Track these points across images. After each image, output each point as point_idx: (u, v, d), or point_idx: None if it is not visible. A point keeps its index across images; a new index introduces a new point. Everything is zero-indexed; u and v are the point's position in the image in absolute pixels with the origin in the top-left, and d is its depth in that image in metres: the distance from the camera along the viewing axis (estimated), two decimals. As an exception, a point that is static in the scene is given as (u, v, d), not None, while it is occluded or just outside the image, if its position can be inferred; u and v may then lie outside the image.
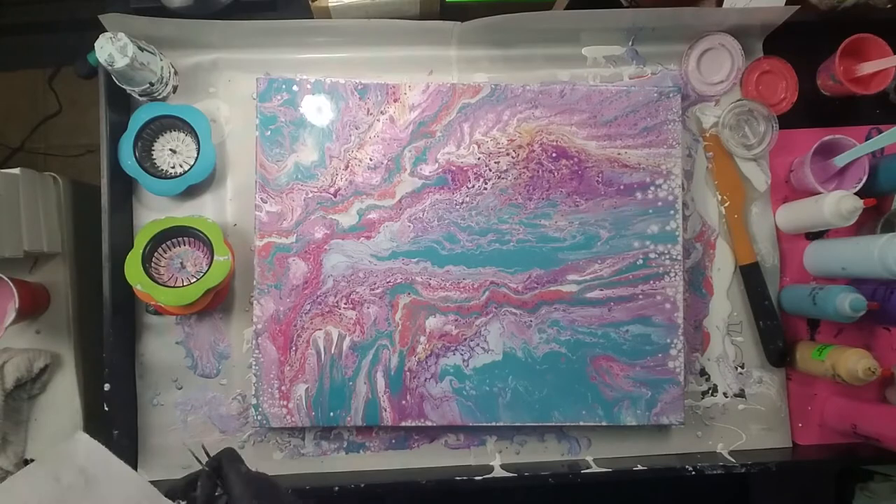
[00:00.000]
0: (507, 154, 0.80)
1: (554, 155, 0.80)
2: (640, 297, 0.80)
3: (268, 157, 0.79)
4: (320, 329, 0.78)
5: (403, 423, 0.79)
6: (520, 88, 0.80)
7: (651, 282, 0.80)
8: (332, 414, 0.78)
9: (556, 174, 0.80)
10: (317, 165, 0.79)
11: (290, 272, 0.78)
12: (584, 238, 0.80)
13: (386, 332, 0.79)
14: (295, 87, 0.79)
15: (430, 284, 0.79)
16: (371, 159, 0.79)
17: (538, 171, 0.80)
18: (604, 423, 0.80)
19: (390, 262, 0.79)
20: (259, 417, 0.77)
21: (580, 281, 0.80)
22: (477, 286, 0.79)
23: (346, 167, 0.79)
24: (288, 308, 0.78)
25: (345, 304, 0.79)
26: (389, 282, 0.79)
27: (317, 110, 0.79)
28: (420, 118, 0.80)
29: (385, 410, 0.78)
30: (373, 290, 0.79)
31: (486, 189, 0.80)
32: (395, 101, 0.80)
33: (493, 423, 0.79)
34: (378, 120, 0.79)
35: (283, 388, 0.78)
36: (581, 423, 0.80)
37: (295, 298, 0.78)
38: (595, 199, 0.80)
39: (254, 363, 0.78)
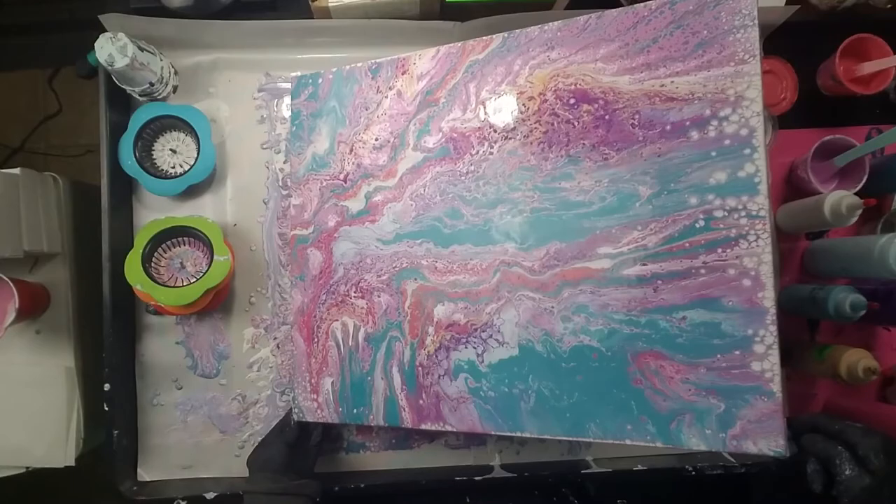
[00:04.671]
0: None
1: (572, 101, 0.64)
2: (703, 271, 0.58)
3: (293, 151, 0.76)
4: (337, 320, 0.73)
5: (423, 426, 0.69)
6: (536, 31, 0.66)
7: (719, 250, 0.58)
8: (355, 411, 0.72)
9: (575, 124, 0.63)
10: (329, 153, 0.75)
11: (309, 263, 0.75)
12: (618, 199, 0.61)
13: (395, 322, 0.70)
14: (320, 80, 0.76)
15: (436, 268, 0.69)
16: (377, 139, 0.73)
17: (553, 124, 0.64)
18: (659, 444, 0.59)
19: (395, 246, 0.71)
20: (297, 411, 0.74)
21: (614, 254, 0.61)
22: (486, 266, 0.66)
23: (351, 151, 0.74)
24: (309, 299, 0.75)
25: (355, 292, 0.73)
26: (395, 267, 0.71)
27: (334, 98, 0.76)
28: (428, 87, 0.71)
29: (404, 410, 0.69)
30: (379, 276, 0.71)
31: (491, 154, 0.67)
32: (404, 73, 0.72)
33: (518, 434, 0.64)
34: (386, 97, 0.72)
35: (312, 381, 0.74)
36: (628, 442, 0.60)
37: (314, 289, 0.74)
38: (630, 149, 0.61)
39: (289, 356, 0.75)
